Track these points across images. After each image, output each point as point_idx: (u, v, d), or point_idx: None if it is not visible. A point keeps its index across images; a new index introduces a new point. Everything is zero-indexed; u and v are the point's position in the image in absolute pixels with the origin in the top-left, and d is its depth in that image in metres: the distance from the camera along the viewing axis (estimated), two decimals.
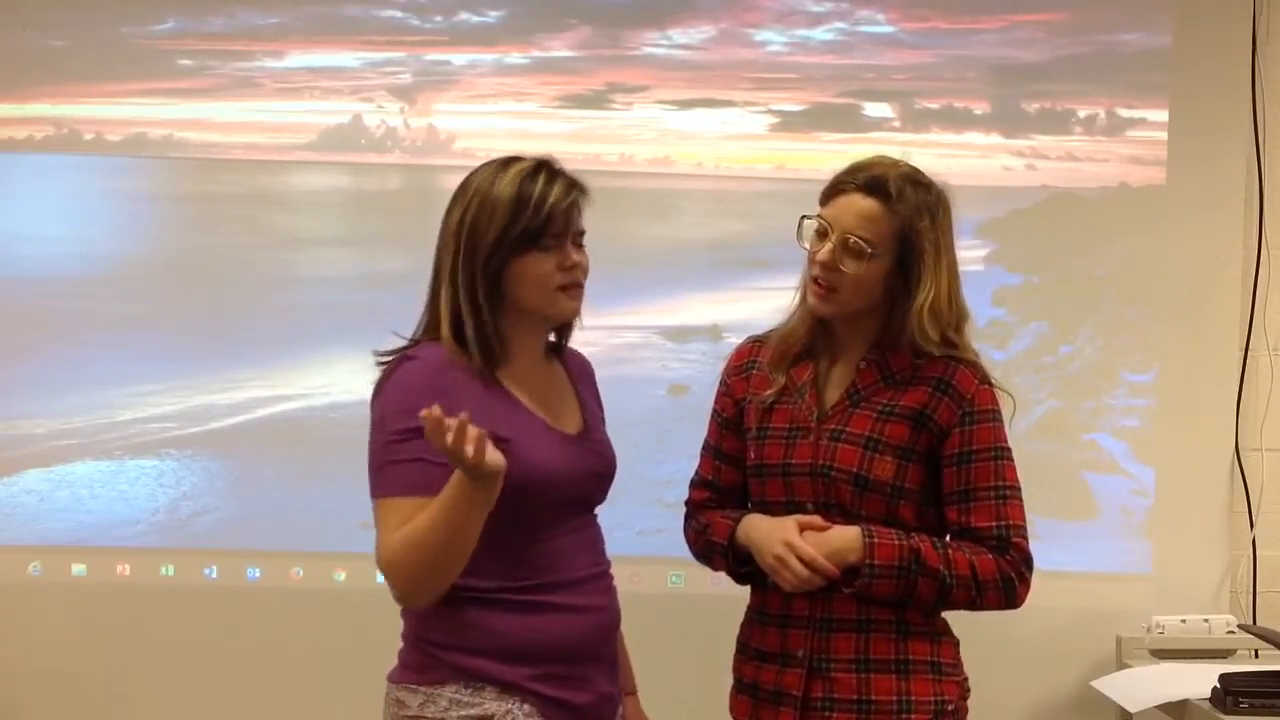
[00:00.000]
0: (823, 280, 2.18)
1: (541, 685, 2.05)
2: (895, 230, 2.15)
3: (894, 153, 2.31)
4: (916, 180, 2.19)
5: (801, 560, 2.13)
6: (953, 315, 2.19)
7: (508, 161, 2.12)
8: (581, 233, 2.12)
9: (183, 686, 3.52)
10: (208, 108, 3.60)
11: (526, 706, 2.04)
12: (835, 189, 2.20)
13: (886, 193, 2.14)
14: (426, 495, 1.96)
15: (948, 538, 2.22)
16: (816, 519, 2.18)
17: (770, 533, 2.18)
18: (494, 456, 1.88)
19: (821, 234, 2.18)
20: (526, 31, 3.57)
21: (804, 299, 2.26)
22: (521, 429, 2.06)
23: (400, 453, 2.01)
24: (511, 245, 2.05)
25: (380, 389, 2.09)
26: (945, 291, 2.17)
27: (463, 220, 2.07)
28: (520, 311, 2.10)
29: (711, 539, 2.30)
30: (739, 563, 2.27)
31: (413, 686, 2.07)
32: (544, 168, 2.10)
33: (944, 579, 2.15)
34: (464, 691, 2.04)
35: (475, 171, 2.13)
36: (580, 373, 2.28)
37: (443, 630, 2.06)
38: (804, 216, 2.21)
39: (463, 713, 2.03)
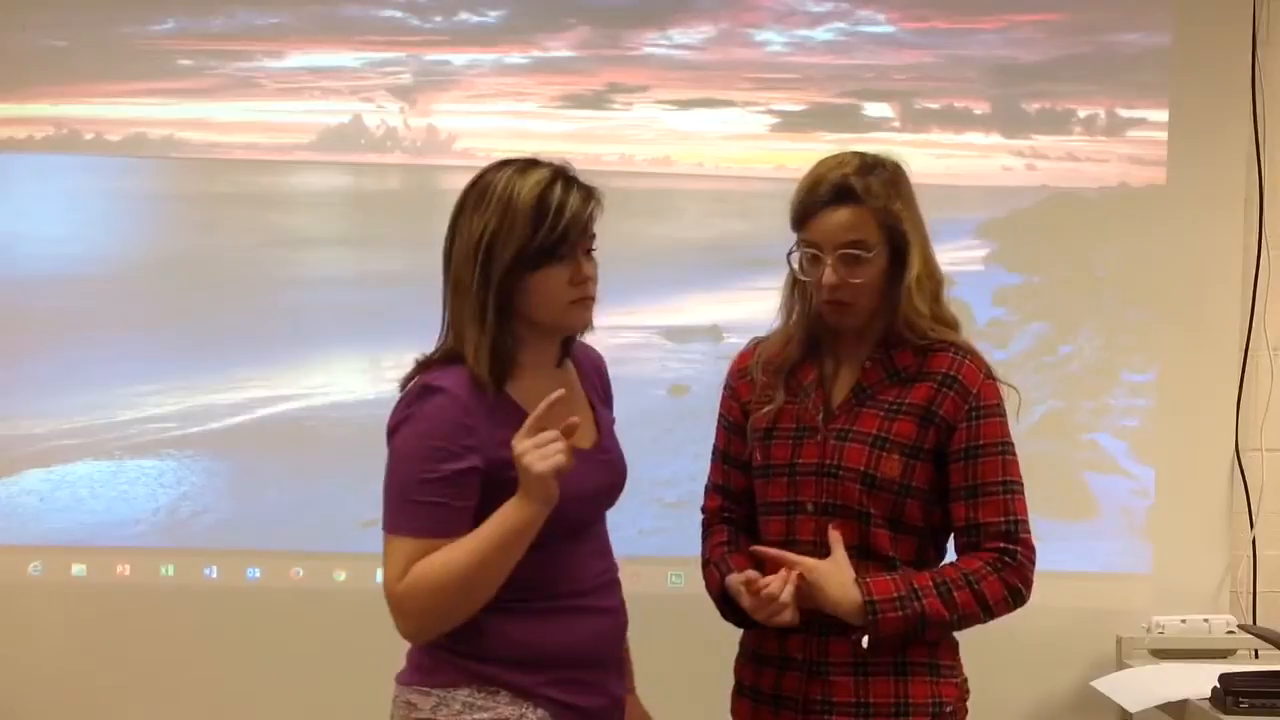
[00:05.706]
0: (836, 299, 2.19)
1: (554, 690, 2.05)
2: (879, 224, 2.17)
3: (894, 153, 2.30)
4: (871, 168, 2.20)
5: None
6: (935, 282, 2.23)
7: (525, 167, 2.07)
8: (592, 237, 2.10)
9: (183, 686, 3.52)
10: (208, 108, 3.59)
11: (540, 711, 2.04)
12: (805, 212, 2.20)
13: (856, 196, 2.16)
14: (442, 538, 1.97)
15: (947, 569, 2.19)
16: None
17: None
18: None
19: (814, 259, 2.19)
20: (526, 31, 3.57)
21: (787, 315, 2.29)
22: None
23: (423, 493, 1.98)
24: (528, 261, 2.03)
25: (405, 419, 2.03)
26: (927, 260, 2.21)
27: (484, 233, 2.03)
28: (531, 324, 2.08)
29: (708, 581, 2.32)
30: (734, 610, 2.26)
31: (425, 689, 2.06)
32: (560, 176, 2.07)
33: (952, 624, 2.17)
34: (478, 695, 2.04)
35: (490, 176, 2.07)
36: (591, 371, 2.26)
37: (457, 634, 2.03)
38: (790, 251, 2.22)
39: (476, 716, 2.02)
